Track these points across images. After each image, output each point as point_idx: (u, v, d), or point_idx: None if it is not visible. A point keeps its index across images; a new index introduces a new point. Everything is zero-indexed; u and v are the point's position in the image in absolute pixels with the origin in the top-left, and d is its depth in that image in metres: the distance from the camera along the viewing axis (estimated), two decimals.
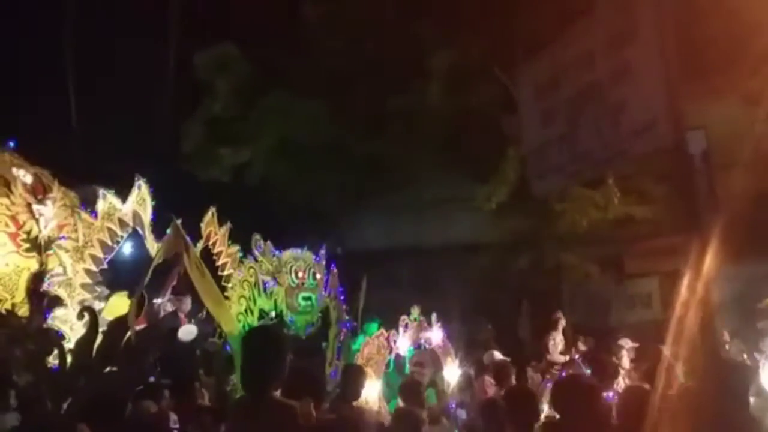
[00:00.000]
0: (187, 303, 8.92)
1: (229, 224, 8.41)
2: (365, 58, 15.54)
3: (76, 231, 7.67)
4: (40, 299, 7.35)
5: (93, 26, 14.90)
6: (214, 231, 8.23)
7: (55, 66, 15.07)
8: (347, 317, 9.26)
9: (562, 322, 11.15)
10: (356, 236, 8.87)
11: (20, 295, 7.66)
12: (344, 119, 16.07)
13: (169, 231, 6.91)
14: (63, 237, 7.77)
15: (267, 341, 3.63)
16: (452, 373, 9.50)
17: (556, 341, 10.92)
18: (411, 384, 7.00)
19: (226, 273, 8.25)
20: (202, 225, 8.15)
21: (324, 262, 8.95)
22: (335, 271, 9.06)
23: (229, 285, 8.01)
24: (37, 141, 8.44)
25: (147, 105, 15.98)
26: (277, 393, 3.58)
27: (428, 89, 15.35)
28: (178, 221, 6.74)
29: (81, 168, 8.64)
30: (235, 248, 8.42)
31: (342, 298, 9.19)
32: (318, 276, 8.77)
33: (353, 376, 6.38)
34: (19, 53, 14.34)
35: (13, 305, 7.46)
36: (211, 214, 8.23)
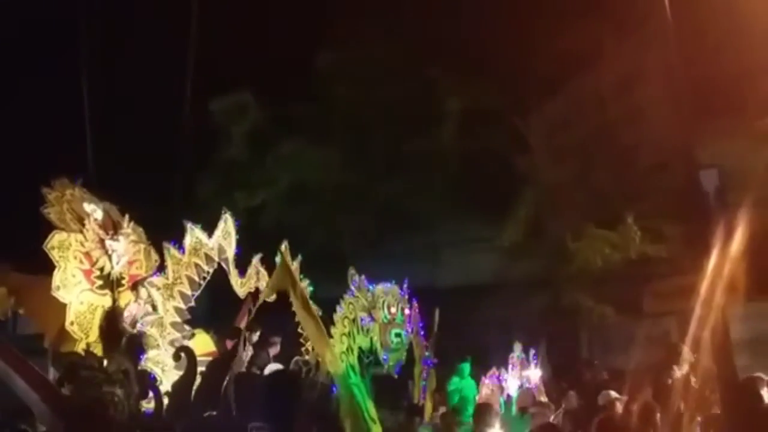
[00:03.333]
0: (278, 346, 8.52)
1: (300, 257, 8.19)
2: (380, 103, 15.79)
3: (166, 268, 7.47)
4: (116, 338, 7.10)
5: (109, 74, 15.25)
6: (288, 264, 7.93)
7: (71, 112, 15.37)
8: (428, 354, 9.04)
9: (686, 355, 8.41)
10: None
11: (95, 334, 7.36)
12: (360, 163, 16.25)
13: (277, 268, 6.89)
14: (156, 274, 7.62)
15: (285, 383, 3.83)
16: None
17: (675, 378, 8.24)
18: (548, 427, 6.84)
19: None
20: (277, 258, 7.78)
21: (407, 297, 8.60)
22: (416, 306, 8.78)
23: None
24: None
25: (162, 151, 16.24)
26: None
27: (442, 132, 15.53)
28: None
29: None
30: (306, 282, 8.19)
31: (422, 334, 8.96)
32: (406, 311, 8.45)
33: (485, 416, 6.06)
34: (35, 99, 14.65)
35: (88, 345, 7.06)
36: (283, 247, 7.81)
